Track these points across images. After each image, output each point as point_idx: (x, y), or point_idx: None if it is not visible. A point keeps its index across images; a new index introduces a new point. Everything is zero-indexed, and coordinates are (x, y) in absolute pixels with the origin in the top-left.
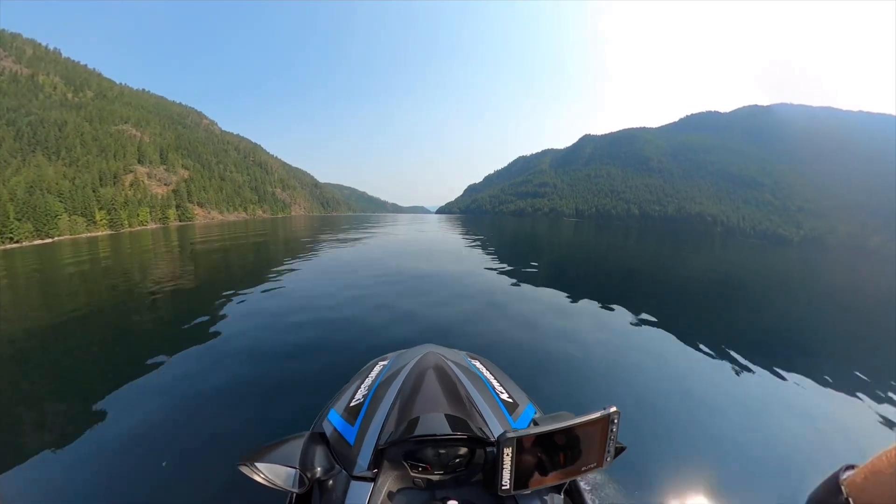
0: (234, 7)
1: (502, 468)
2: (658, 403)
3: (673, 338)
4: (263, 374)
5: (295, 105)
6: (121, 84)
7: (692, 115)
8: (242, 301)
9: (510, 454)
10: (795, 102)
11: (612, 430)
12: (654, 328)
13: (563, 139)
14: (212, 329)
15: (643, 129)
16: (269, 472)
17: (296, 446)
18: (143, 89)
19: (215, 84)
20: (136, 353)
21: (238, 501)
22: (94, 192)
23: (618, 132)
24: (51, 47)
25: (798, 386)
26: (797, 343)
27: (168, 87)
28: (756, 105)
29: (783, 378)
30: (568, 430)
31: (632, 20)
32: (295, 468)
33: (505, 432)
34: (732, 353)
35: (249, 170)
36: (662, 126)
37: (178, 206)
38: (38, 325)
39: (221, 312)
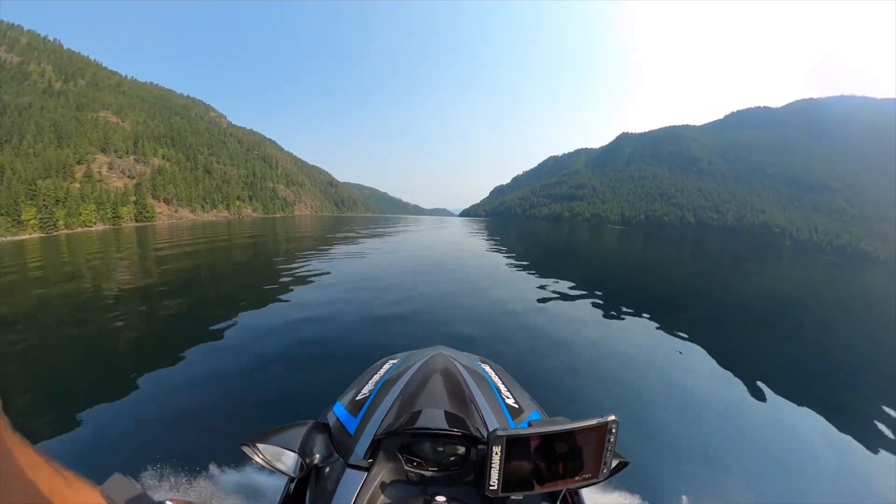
0: (257, 7)
1: (490, 466)
2: (674, 426)
3: (710, 365)
4: (274, 370)
5: (318, 104)
6: (122, 75)
7: (739, 111)
8: (252, 305)
9: (499, 453)
10: (858, 94)
11: (609, 440)
12: (691, 353)
13: (596, 138)
14: (218, 329)
15: (686, 126)
16: (268, 455)
17: (298, 433)
18: (151, 82)
19: (238, 84)
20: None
21: (240, 481)
22: (30, 185)
23: (658, 130)
24: (50, 38)
25: (845, 426)
26: (861, 381)
27: (192, 88)
28: (811, 98)
29: (825, 417)
30: (562, 436)
31: (662, 12)
32: (294, 452)
33: (496, 430)
34: (774, 387)
35: (248, 164)
36: (707, 124)
37: (136, 203)
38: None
39: (231, 316)
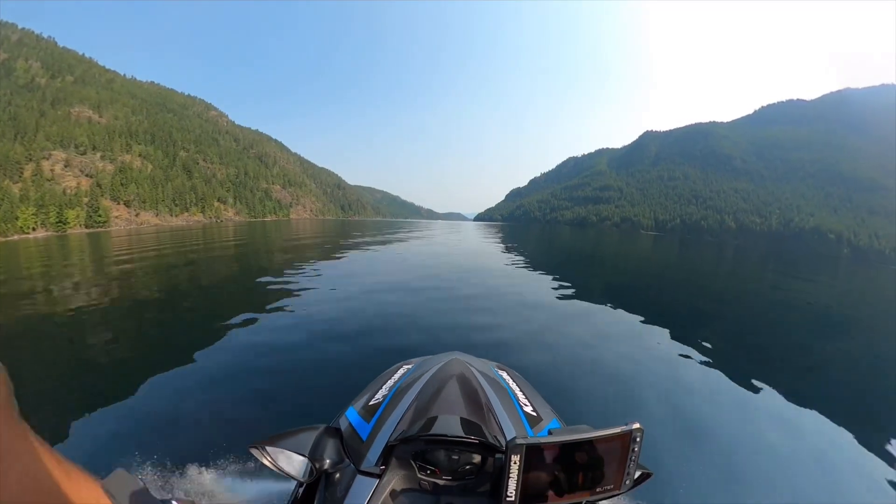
0: (266, 9)
1: (508, 477)
2: (700, 439)
3: (742, 380)
4: (288, 371)
5: (332, 108)
6: (119, 73)
7: (770, 105)
8: (268, 304)
9: (518, 462)
10: None
11: (633, 450)
12: (720, 366)
13: (617, 138)
14: (233, 328)
15: (713, 123)
16: (278, 458)
17: (309, 437)
18: (151, 81)
19: (252, 88)
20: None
21: (247, 483)
22: None
23: (684, 127)
24: (45, 35)
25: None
26: None
27: (208, 93)
28: (847, 88)
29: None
30: (583, 444)
31: (679, 6)
32: (304, 457)
33: (514, 438)
34: (811, 408)
35: (241, 162)
36: (736, 120)
37: (90, 205)
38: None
39: (239, 319)
